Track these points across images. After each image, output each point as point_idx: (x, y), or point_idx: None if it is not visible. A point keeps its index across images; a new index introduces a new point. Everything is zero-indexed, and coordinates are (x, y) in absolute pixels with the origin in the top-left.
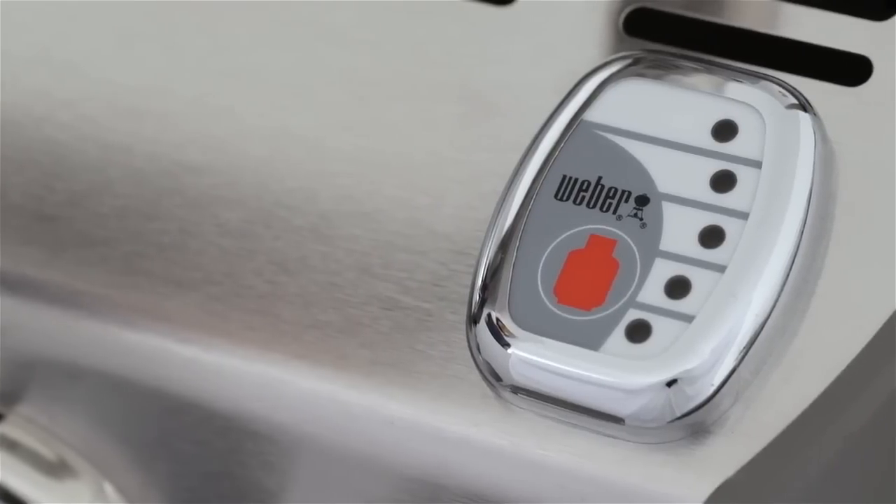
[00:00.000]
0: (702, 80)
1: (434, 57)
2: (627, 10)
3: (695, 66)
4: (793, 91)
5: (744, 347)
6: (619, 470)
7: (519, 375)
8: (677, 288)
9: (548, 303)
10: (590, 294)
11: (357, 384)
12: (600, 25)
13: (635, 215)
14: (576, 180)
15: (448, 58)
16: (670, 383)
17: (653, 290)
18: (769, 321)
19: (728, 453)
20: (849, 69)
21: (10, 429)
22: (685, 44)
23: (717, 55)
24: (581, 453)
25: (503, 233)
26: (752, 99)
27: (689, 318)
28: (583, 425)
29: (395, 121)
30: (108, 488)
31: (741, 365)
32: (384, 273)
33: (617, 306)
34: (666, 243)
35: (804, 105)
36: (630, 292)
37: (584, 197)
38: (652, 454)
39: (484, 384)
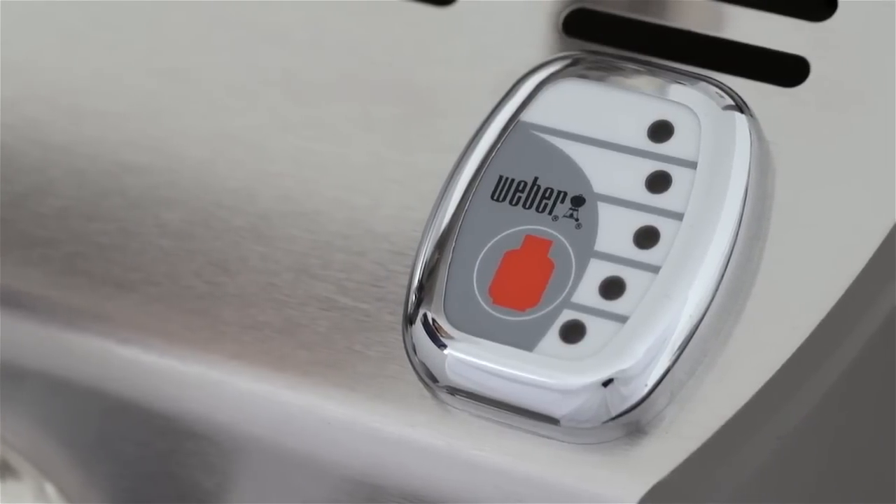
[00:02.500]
0: (639, 81)
1: (374, 57)
2: (567, 10)
3: (633, 67)
4: (729, 92)
5: (678, 348)
6: (554, 470)
7: (455, 376)
8: (612, 288)
9: (483, 303)
10: (525, 295)
11: (295, 384)
12: (540, 26)
13: (571, 216)
14: (512, 181)
15: (388, 58)
16: (605, 384)
17: (587, 291)
18: (704, 322)
19: (663, 453)
20: (786, 70)
21: None
22: (624, 44)
23: (656, 56)
24: (517, 454)
25: (439, 233)
26: (689, 100)
27: (623, 319)
28: (519, 426)
29: (334, 121)
30: (50, 489)
31: (675, 365)
32: (323, 273)
33: (552, 307)
34: (601, 244)
35: (740, 106)
36: (565, 293)
37: (520, 197)
38: (587, 454)
39: (421, 385)
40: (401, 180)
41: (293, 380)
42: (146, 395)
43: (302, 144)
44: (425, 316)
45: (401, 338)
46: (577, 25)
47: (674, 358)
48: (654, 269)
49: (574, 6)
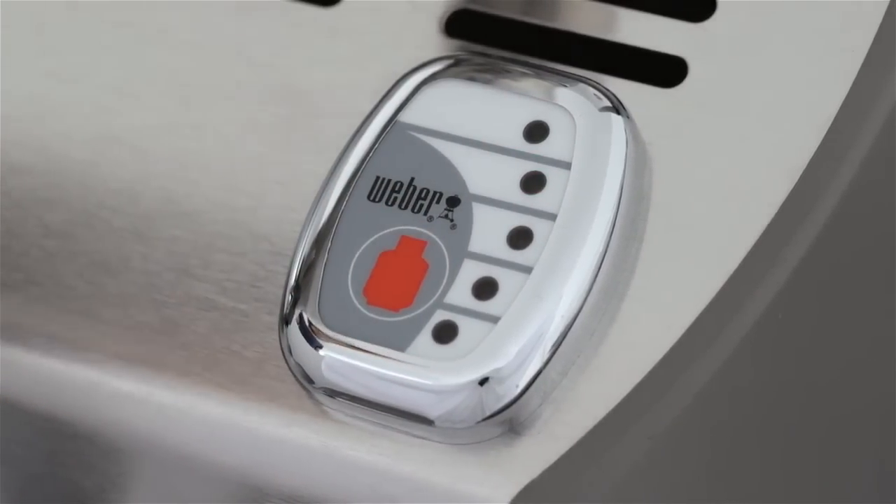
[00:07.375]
0: (518, 82)
1: (258, 58)
2: (450, 11)
3: (512, 68)
4: (606, 93)
5: (551, 348)
6: (428, 471)
7: (330, 377)
8: (484, 289)
9: (357, 304)
10: (399, 295)
11: (173, 385)
12: (423, 27)
13: (446, 216)
14: (389, 181)
15: (272, 59)
16: (480, 383)
17: (460, 292)
18: (576, 322)
19: (536, 453)
20: (665, 71)
21: None
22: (506, 45)
23: (537, 57)
24: (392, 454)
25: (316, 234)
26: (565, 101)
27: (495, 319)
28: (394, 427)
29: (217, 122)
30: None
31: (548, 365)
32: (203, 274)
33: (425, 307)
34: (475, 244)
35: (617, 107)
36: (438, 293)
37: (396, 198)
38: (461, 455)
39: (297, 385)
40: (283, 181)
41: (171, 380)
42: (26, 395)
43: (184, 145)
44: (301, 316)
45: (278, 338)
46: (459, 26)
47: (546, 358)
48: (527, 270)
49: (456, 7)
